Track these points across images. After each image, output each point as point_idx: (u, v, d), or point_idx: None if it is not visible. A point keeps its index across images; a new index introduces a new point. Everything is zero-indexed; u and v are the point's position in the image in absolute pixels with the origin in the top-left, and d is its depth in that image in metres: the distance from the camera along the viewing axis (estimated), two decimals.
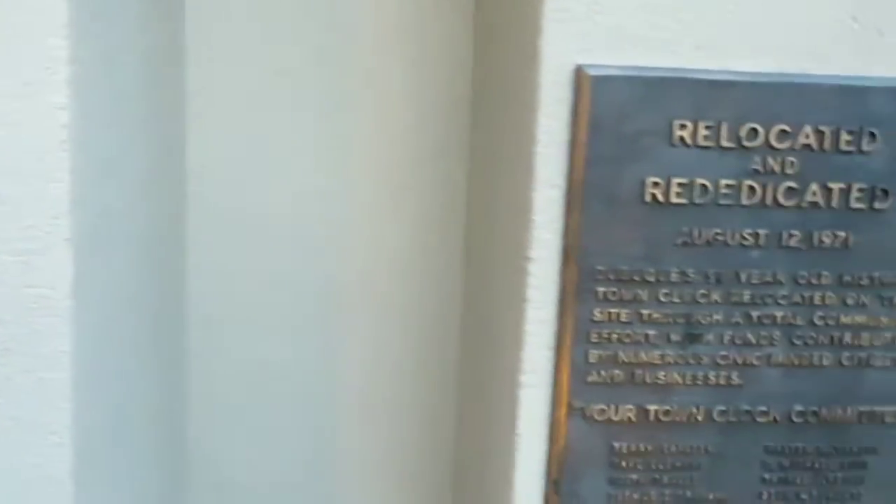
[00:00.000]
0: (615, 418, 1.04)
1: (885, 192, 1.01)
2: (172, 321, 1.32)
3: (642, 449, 1.05)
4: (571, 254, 1.00)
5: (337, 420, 1.41)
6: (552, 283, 1.02)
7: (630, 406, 1.04)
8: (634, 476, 1.05)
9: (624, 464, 1.05)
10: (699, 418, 1.05)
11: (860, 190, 1.01)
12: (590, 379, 1.02)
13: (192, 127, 1.30)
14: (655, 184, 0.98)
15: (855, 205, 1.01)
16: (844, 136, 1.00)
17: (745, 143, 0.99)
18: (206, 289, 1.32)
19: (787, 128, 0.99)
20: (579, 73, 0.96)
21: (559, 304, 1.02)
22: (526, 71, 1.00)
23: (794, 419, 1.06)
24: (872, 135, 1.00)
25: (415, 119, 1.29)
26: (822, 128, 0.99)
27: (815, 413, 1.06)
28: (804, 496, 1.08)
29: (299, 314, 1.36)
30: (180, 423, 1.35)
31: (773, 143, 0.99)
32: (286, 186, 1.32)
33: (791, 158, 1.00)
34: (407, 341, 1.37)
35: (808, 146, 1.00)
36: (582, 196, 0.98)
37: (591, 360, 1.02)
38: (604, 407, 1.03)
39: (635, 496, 1.06)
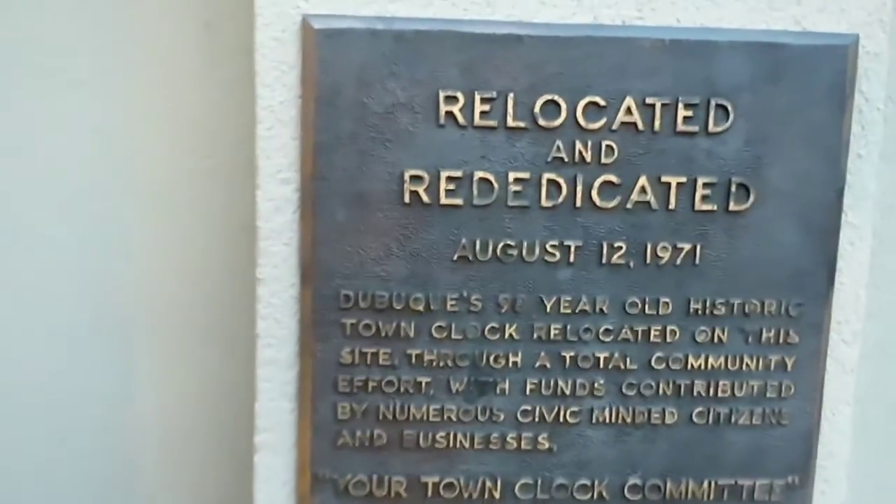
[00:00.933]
0: (379, 493, 0.77)
1: (746, 187, 0.74)
2: None
3: None
4: (308, 273, 0.73)
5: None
6: (289, 314, 0.76)
7: (399, 478, 0.77)
8: None
9: None
10: (496, 494, 0.78)
11: (708, 185, 0.74)
12: (340, 441, 0.76)
13: None
14: (417, 178, 0.72)
15: (703, 206, 0.74)
16: (683, 112, 0.72)
17: (542, 123, 0.72)
18: None
19: (600, 100, 0.72)
20: (306, 26, 0.70)
21: (300, 342, 0.75)
22: (244, 27, 0.74)
23: (629, 496, 0.79)
24: (723, 109, 0.72)
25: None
26: (650, 100, 0.72)
27: (657, 487, 0.79)
28: None
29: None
30: None
31: (582, 121, 0.72)
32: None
33: (608, 142, 0.72)
34: (201, 360, 1.11)
35: (630, 125, 0.72)
36: (314, 196, 0.72)
37: (342, 415, 0.76)
38: (362, 478, 0.77)
39: None
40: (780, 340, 0.77)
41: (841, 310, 0.79)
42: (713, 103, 0.72)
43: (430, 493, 0.77)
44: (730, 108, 0.72)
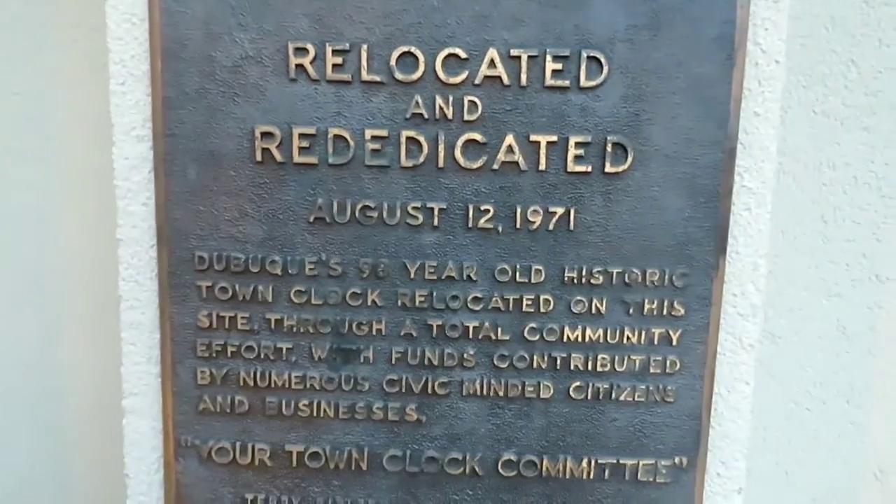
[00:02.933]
0: (243, 461, 0.75)
1: (623, 147, 0.69)
2: None
3: (286, 503, 0.76)
4: (163, 234, 0.71)
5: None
6: (149, 275, 0.74)
7: (263, 445, 0.75)
8: None
9: None
10: (363, 465, 0.75)
11: (581, 144, 0.69)
12: (202, 406, 0.74)
13: None
14: (269, 135, 0.69)
15: (576, 167, 0.69)
16: (552, 65, 0.67)
17: (400, 77, 0.68)
18: None
19: (461, 52, 0.67)
20: None
21: (160, 305, 0.73)
22: None
23: (503, 472, 0.75)
24: (596, 62, 0.67)
25: None
26: (515, 52, 0.67)
27: (532, 464, 0.75)
28: None
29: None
30: None
31: (442, 75, 0.68)
32: None
33: (472, 98, 0.68)
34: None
35: (495, 79, 0.68)
36: (165, 153, 0.69)
37: (202, 380, 0.74)
38: (225, 445, 0.75)
39: None
40: (665, 313, 0.72)
41: (737, 281, 0.74)
42: (585, 55, 0.67)
43: (295, 463, 0.75)
44: (603, 60, 0.67)
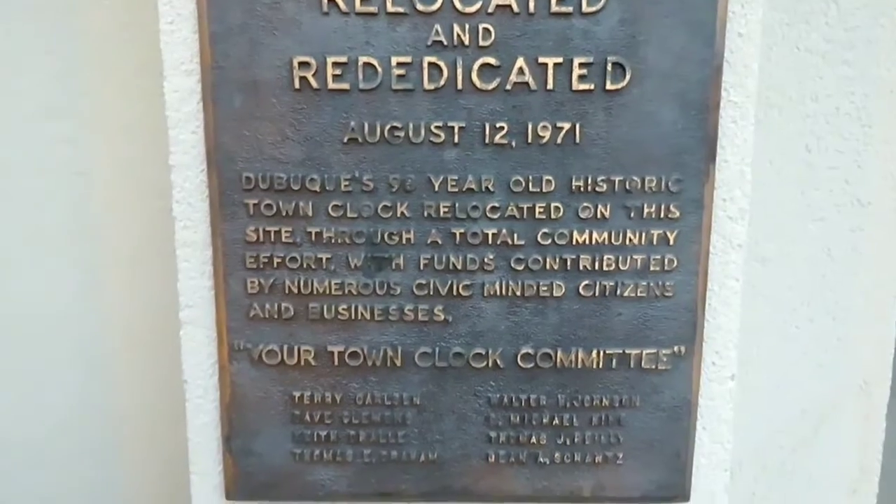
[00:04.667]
0: (290, 362, 0.84)
1: (622, 66, 0.77)
2: None
3: (329, 399, 0.85)
4: (212, 158, 0.80)
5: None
6: (200, 197, 0.82)
7: (308, 347, 0.84)
8: (323, 432, 0.86)
9: (308, 417, 0.86)
10: (397, 363, 0.84)
11: (584, 65, 0.77)
12: (252, 314, 0.83)
13: None
14: (306, 65, 0.77)
15: (580, 85, 0.77)
16: None
17: (421, 8, 0.76)
18: None
19: None
20: None
21: (211, 224, 0.82)
22: None
23: (522, 364, 0.84)
24: None
25: None
26: None
27: (548, 356, 0.84)
28: (544, 459, 0.87)
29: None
30: None
31: (459, 5, 0.76)
32: None
33: (485, 25, 0.76)
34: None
35: (506, 8, 0.76)
36: (213, 84, 0.78)
37: (251, 290, 0.83)
38: (274, 348, 0.84)
39: (327, 456, 0.87)
40: (662, 216, 0.80)
41: (726, 187, 0.82)
42: None
43: (336, 362, 0.84)
44: None
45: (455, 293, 0.83)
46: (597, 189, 0.80)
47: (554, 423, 0.86)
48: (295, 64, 0.77)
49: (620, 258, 0.82)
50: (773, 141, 1.18)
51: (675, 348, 0.84)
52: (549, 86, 0.77)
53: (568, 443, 0.86)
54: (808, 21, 1.16)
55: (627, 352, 0.84)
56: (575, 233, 0.81)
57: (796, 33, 1.16)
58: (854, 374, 1.29)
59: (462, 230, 0.81)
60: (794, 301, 1.25)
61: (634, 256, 0.82)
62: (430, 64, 0.77)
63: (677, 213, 0.80)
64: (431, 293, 0.83)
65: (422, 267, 0.82)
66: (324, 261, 0.82)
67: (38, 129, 1.14)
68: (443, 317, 0.83)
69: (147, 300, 1.20)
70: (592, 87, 0.77)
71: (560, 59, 0.77)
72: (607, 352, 0.84)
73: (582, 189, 0.80)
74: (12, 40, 1.12)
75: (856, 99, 1.18)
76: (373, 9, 0.76)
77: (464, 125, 0.78)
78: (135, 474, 1.30)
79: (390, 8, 0.76)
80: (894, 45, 1.17)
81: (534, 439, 0.86)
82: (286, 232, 0.81)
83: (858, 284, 1.25)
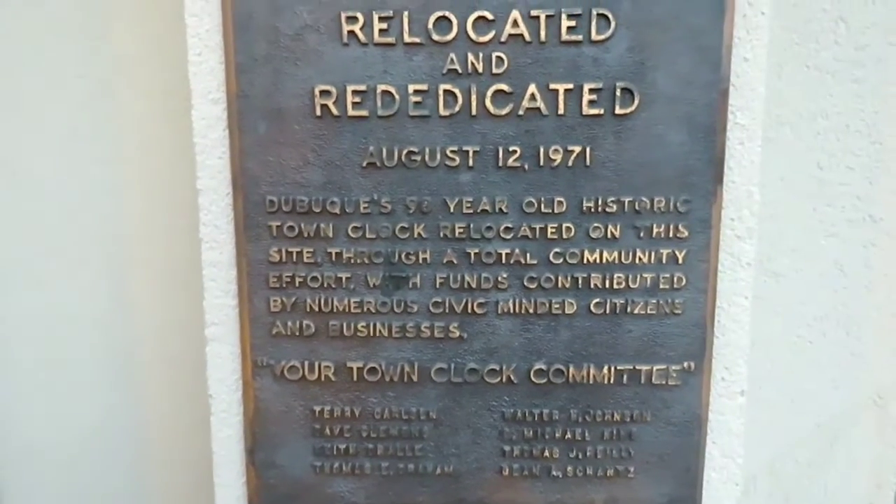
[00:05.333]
0: (311, 377, 0.88)
1: (631, 92, 0.80)
2: None
3: (348, 413, 0.88)
4: (238, 182, 0.84)
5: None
6: (226, 219, 0.86)
7: (328, 363, 0.87)
8: (343, 445, 0.89)
9: (329, 431, 0.89)
10: (414, 378, 0.87)
11: (594, 91, 0.80)
12: (275, 331, 0.87)
13: None
14: (327, 93, 0.81)
15: (590, 110, 0.80)
16: (567, 23, 0.78)
17: (436, 38, 0.79)
18: None
19: (488, 14, 0.79)
20: None
21: (237, 245, 0.86)
22: None
23: (535, 380, 0.87)
24: (605, 18, 0.78)
25: None
26: (535, 12, 0.78)
27: (560, 372, 0.86)
28: (557, 472, 0.89)
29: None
30: None
31: (473, 35, 0.79)
32: None
33: (498, 54, 0.79)
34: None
35: (518, 37, 0.79)
36: (238, 111, 0.82)
37: (274, 308, 0.86)
38: (296, 364, 0.87)
39: (346, 468, 0.89)
40: (671, 235, 0.83)
41: (734, 207, 0.84)
42: (595, 13, 0.78)
43: (355, 377, 0.87)
44: (611, 17, 0.78)
45: (470, 311, 0.85)
46: (607, 210, 0.82)
47: (566, 437, 0.88)
48: (316, 92, 0.80)
49: (630, 276, 0.84)
50: (784, 158, 1.20)
51: (685, 364, 0.86)
52: (561, 111, 0.80)
53: (580, 456, 0.88)
54: (818, 40, 1.18)
55: (638, 368, 0.86)
56: (586, 252, 0.84)
57: (806, 52, 1.18)
58: (868, 388, 1.30)
59: (476, 250, 0.84)
60: (807, 316, 1.26)
61: (644, 275, 0.84)
62: (445, 91, 0.80)
63: (686, 233, 0.83)
64: (447, 311, 0.85)
65: (438, 286, 0.85)
66: (343, 280, 0.85)
67: (72, 149, 1.19)
68: (458, 334, 0.86)
69: (175, 316, 1.24)
70: (602, 111, 0.80)
71: (571, 85, 0.80)
72: (618, 367, 0.86)
73: (592, 210, 0.82)
74: (47, 65, 1.17)
75: (865, 116, 1.19)
76: (390, 39, 0.79)
77: (478, 149, 0.81)
78: (162, 484, 1.34)
79: (407, 38, 0.79)
80: None
81: (547, 453, 0.88)
82: (308, 252, 0.85)
83: (871, 299, 1.26)
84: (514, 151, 0.81)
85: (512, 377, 0.87)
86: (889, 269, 1.25)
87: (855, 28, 1.17)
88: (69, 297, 1.26)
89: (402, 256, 0.84)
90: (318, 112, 0.81)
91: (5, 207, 1.23)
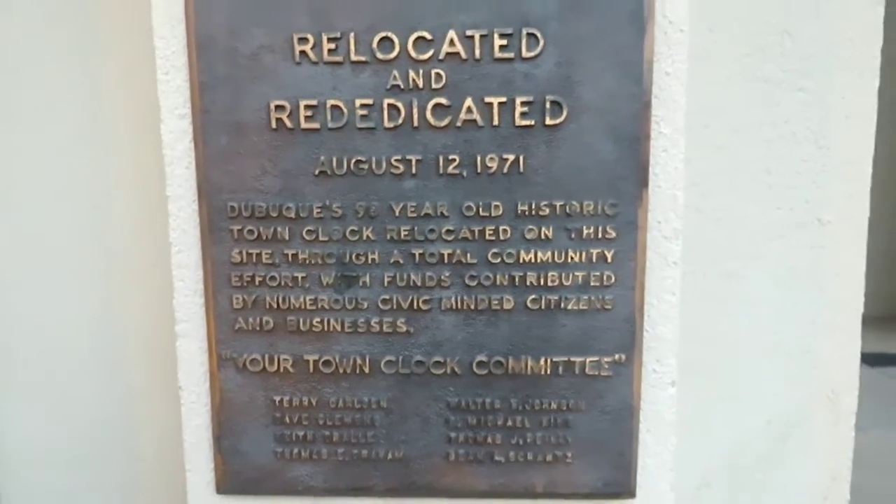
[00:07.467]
0: (271, 369, 0.95)
1: (559, 104, 0.87)
2: None
3: (306, 403, 0.95)
4: (202, 190, 0.91)
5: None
6: (192, 224, 0.94)
7: (286, 356, 0.94)
8: (301, 432, 0.96)
9: (288, 419, 0.96)
10: (366, 370, 0.94)
11: (526, 104, 0.87)
12: (237, 326, 0.94)
13: None
14: (281, 108, 0.88)
15: (522, 121, 0.87)
16: (499, 41, 0.86)
17: (380, 56, 0.87)
18: None
19: (427, 35, 0.86)
20: None
21: (202, 247, 0.93)
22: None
23: (477, 371, 0.93)
24: (534, 37, 0.85)
25: None
26: (470, 32, 0.86)
27: (500, 364, 0.93)
28: (499, 458, 0.95)
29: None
30: None
31: (413, 53, 0.86)
32: None
33: (437, 71, 0.87)
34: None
35: (455, 55, 0.86)
36: (202, 125, 0.89)
37: (236, 305, 0.93)
38: (257, 357, 0.95)
39: (304, 454, 0.97)
40: (600, 236, 0.89)
41: (660, 210, 0.91)
42: (525, 32, 0.85)
43: (311, 369, 0.94)
44: (540, 35, 0.85)
45: (416, 307, 0.92)
46: (540, 213, 0.89)
47: (508, 424, 0.94)
48: (272, 107, 0.88)
49: (563, 275, 0.91)
50: (734, 164, 1.25)
51: (616, 356, 0.92)
52: (495, 122, 0.87)
53: (521, 443, 0.95)
54: (765, 52, 1.24)
55: (573, 359, 0.92)
56: (522, 252, 0.90)
57: (753, 63, 1.24)
58: (821, 384, 1.35)
59: (421, 251, 0.91)
60: (761, 315, 1.31)
61: (576, 273, 0.90)
62: (389, 105, 0.87)
63: (614, 234, 0.89)
64: (395, 307, 0.92)
65: (386, 284, 0.92)
66: (299, 279, 0.92)
67: (63, 163, 1.28)
68: (405, 329, 0.93)
69: (156, 315, 1.32)
70: (533, 122, 0.87)
71: (504, 99, 0.87)
72: (554, 359, 0.93)
73: (527, 213, 0.89)
74: (41, 90, 1.25)
75: (812, 123, 1.25)
76: (339, 58, 0.87)
77: (420, 158, 0.88)
78: (146, 471, 1.42)
79: (354, 57, 0.86)
80: (849, 74, 1.24)
81: (490, 440, 0.95)
82: (266, 254, 0.92)
83: (823, 298, 1.31)
84: (454, 160, 0.88)
85: (456, 369, 0.93)
86: (840, 270, 1.30)
87: (800, 40, 1.23)
88: (58, 302, 1.34)
89: (353, 257, 0.91)
90: (274, 125, 0.88)
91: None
